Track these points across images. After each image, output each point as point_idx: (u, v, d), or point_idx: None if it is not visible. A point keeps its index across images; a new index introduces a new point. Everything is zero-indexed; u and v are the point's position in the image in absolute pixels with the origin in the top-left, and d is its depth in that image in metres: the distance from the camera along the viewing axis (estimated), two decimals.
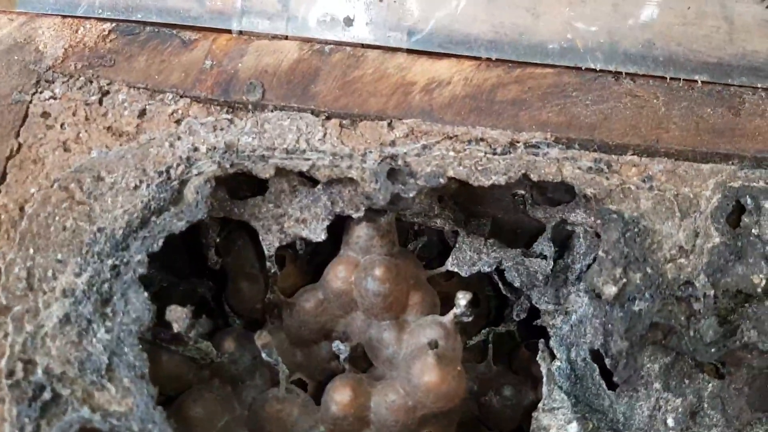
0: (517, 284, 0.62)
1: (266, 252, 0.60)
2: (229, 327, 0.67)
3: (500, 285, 0.69)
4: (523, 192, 0.64)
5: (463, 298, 0.56)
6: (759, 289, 0.54)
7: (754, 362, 0.54)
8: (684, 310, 0.54)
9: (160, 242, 0.54)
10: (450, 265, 0.64)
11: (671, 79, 0.61)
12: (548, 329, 0.63)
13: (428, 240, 0.71)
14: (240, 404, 0.63)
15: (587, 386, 0.59)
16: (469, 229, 0.67)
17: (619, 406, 0.57)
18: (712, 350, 0.53)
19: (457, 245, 0.65)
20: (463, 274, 0.63)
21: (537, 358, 0.59)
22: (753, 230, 0.55)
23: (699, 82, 0.61)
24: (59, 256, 0.55)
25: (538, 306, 0.63)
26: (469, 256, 0.64)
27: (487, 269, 0.63)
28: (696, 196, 0.57)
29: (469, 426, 0.67)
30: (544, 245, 0.64)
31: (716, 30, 0.62)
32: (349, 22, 0.63)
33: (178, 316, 0.53)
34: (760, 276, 0.54)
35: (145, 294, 0.53)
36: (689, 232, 0.56)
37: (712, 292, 0.54)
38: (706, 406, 0.56)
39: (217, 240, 0.65)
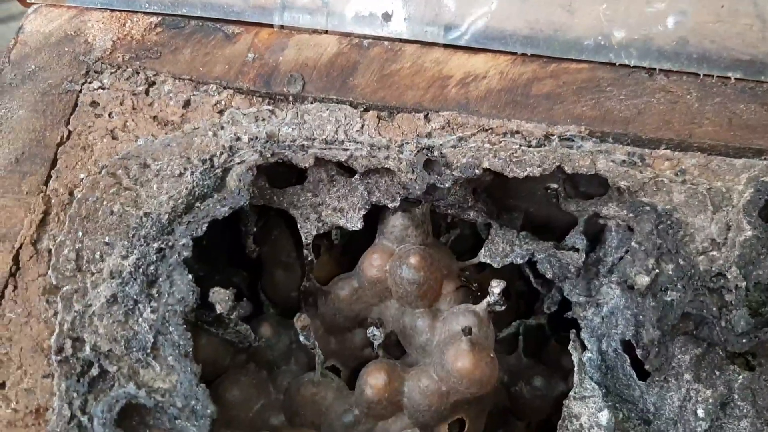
0: (549, 276, 0.63)
1: (304, 240, 0.62)
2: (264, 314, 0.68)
3: (531, 278, 0.70)
4: (556, 186, 0.65)
5: (497, 287, 0.57)
6: None
7: None
8: (716, 301, 0.55)
9: (204, 227, 0.56)
10: (483, 256, 0.65)
11: (704, 75, 0.62)
12: (579, 321, 0.63)
13: (461, 233, 0.72)
14: (275, 388, 0.65)
15: (618, 377, 0.60)
16: (502, 221, 0.68)
17: (649, 396, 0.58)
18: (744, 340, 0.53)
19: (490, 237, 0.66)
20: (495, 265, 0.64)
21: (569, 347, 0.60)
22: None
23: (732, 78, 0.62)
24: (107, 239, 0.57)
25: (569, 298, 0.64)
26: (502, 248, 0.65)
27: (519, 261, 0.64)
28: (728, 190, 0.58)
29: (500, 416, 0.68)
30: (576, 238, 0.64)
31: (749, 28, 0.63)
32: (387, 17, 0.64)
33: (221, 297, 0.55)
34: None
35: (190, 276, 0.55)
36: (721, 225, 0.57)
37: (743, 284, 0.54)
38: (736, 397, 0.56)
39: (255, 229, 0.67)
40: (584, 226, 0.64)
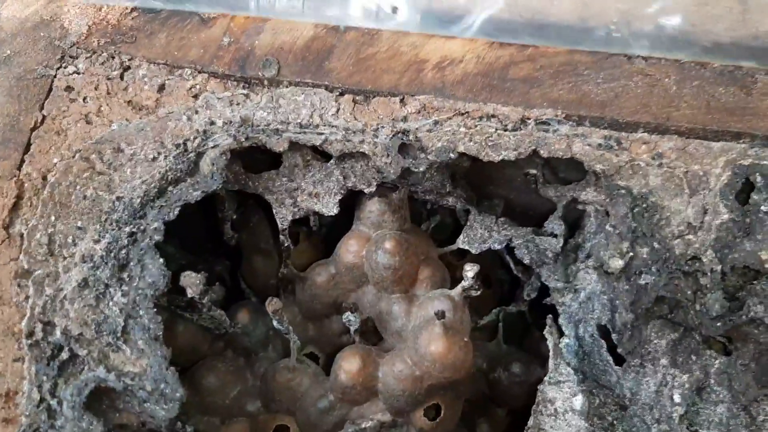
0: (526, 261, 0.63)
1: (280, 226, 0.61)
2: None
3: (511, 265, 0.70)
4: (534, 171, 0.65)
5: (470, 270, 0.56)
6: (767, 266, 0.54)
7: (760, 338, 0.54)
8: (691, 284, 0.54)
9: (176, 211, 0.56)
10: (461, 242, 0.65)
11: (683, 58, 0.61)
12: (558, 307, 0.63)
13: (441, 220, 0.72)
14: (252, 375, 0.64)
15: (595, 362, 0.59)
16: (482, 208, 0.68)
17: (625, 381, 0.58)
18: (718, 324, 0.53)
19: (468, 223, 0.65)
20: (473, 251, 0.64)
21: (544, 332, 0.60)
22: (762, 207, 0.55)
23: (711, 62, 0.61)
24: (79, 224, 0.57)
25: (547, 283, 0.63)
26: (480, 234, 0.65)
27: (497, 246, 0.64)
28: (706, 174, 0.57)
29: (479, 403, 0.68)
30: (554, 224, 0.64)
31: (729, 11, 0.62)
32: (394, 10, 0.63)
33: (192, 281, 0.55)
34: None
35: (161, 260, 0.55)
36: (698, 208, 0.56)
37: (719, 268, 0.54)
38: (712, 382, 0.56)
39: (234, 216, 0.67)
40: (563, 212, 0.64)
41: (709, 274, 0.54)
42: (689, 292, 0.54)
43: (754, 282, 0.55)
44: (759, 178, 0.56)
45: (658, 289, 0.54)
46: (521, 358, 0.67)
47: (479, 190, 0.69)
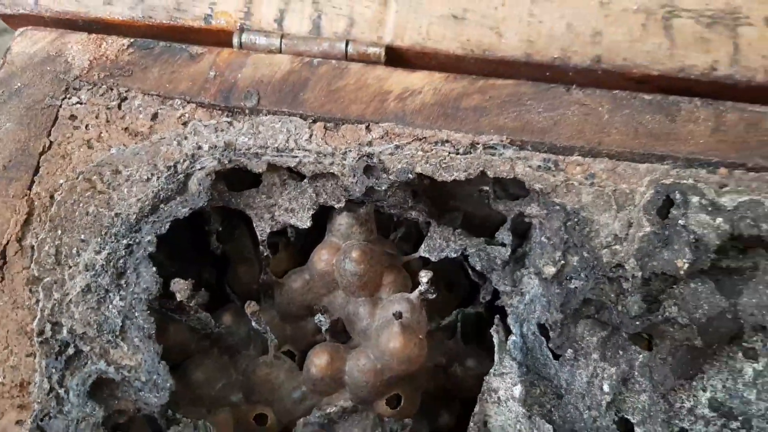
0: (478, 268, 0.70)
1: (259, 237, 0.69)
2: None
3: (470, 271, 0.78)
4: (487, 188, 0.73)
5: (425, 276, 0.64)
6: (682, 272, 0.61)
7: (675, 335, 0.61)
8: (614, 288, 0.62)
9: (167, 225, 0.64)
10: (422, 251, 0.73)
11: (616, 89, 0.69)
12: (507, 308, 0.71)
13: (407, 231, 0.80)
14: (236, 370, 0.72)
15: (537, 357, 0.67)
16: (443, 221, 0.76)
17: (562, 374, 0.65)
18: (637, 323, 0.61)
19: (428, 234, 0.73)
20: (433, 258, 0.72)
21: (491, 330, 0.68)
22: (680, 221, 0.63)
23: (641, 93, 0.69)
24: (83, 237, 0.65)
25: (497, 288, 0.71)
26: (439, 244, 0.72)
27: (453, 255, 0.72)
28: (632, 192, 0.65)
29: (438, 395, 0.75)
30: (504, 234, 0.72)
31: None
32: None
33: (180, 287, 0.62)
34: (683, 260, 0.61)
35: (154, 269, 0.63)
36: (624, 222, 0.64)
37: (639, 274, 0.62)
38: (636, 374, 0.64)
39: (219, 229, 0.75)
40: (512, 224, 0.72)
41: (630, 279, 0.62)
42: (613, 295, 0.62)
43: (674, 287, 0.63)
44: (678, 195, 0.64)
45: (585, 292, 0.62)
46: (475, 353, 0.75)
47: (441, 204, 0.77)
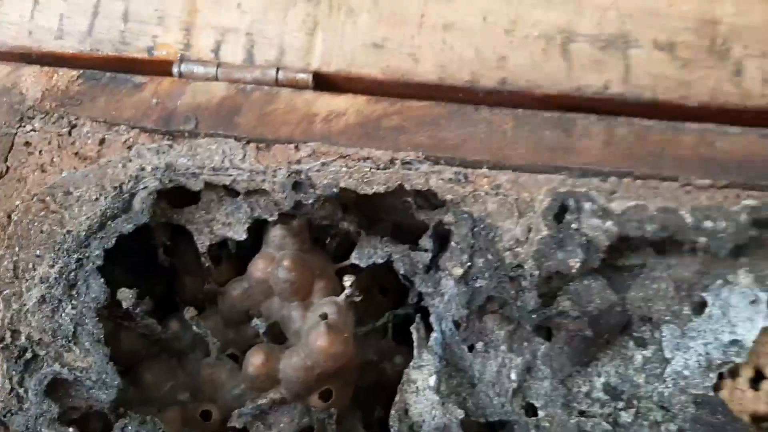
0: (402, 272, 0.77)
1: (200, 249, 0.76)
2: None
3: (400, 276, 0.85)
4: (410, 200, 0.80)
5: (348, 281, 0.72)
6: (574, 270, 0.69)
7: (569, 326, 0.69)
8: (515, 286, 0.70)
9: (113, 240, 0.71)
10: (353, 258, 0.80)
11: (520, 108, 0.77)
12: (429, 308, 0.78)
13: (342, 241, 0.87)
14: (183, 373, 0.78)
15: (454, 351, 0.74)
16: (374, 231, 0.83)
17: (475, 365, 0.72)
18: (533, 316, 0.68)
19: (358, 243, 0.80)
20: (362, 265, 0.78)
21: (410, 328, 0.75)
22: (573, 225, 0.70)
23: (542, 111, 0.77)
24: (38, 252, 0.71)
25: (420, 290, 0.78)
26: (368, 251, 0.79)
27: (380, 261, 0.78)
28: (532, 200, 0.72)
29: (371, 390, 0.83)
30: (426, 241, 0.79)
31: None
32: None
33: (125, 295, 0.69)
34: (576, 260, 0.69)
35: (102, 280, 0.69)
36: (524, 227, 0.72)
37: (537, 272, 0.69)
38: (539, 362, 0.71)
39: (167, 243, 0.82)
40: (433, 231, 0.79)
41: (528, 278, 0.69)
42: (513, 292, 0.69)
43: (570, 284, 0.71)
44: (571, 202, 0.71)
45: (489, 290, 0.69)
46: (403, 351, 0.82)
47: (371, 215, 0.84)
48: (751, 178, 0.72)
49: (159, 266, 0.83)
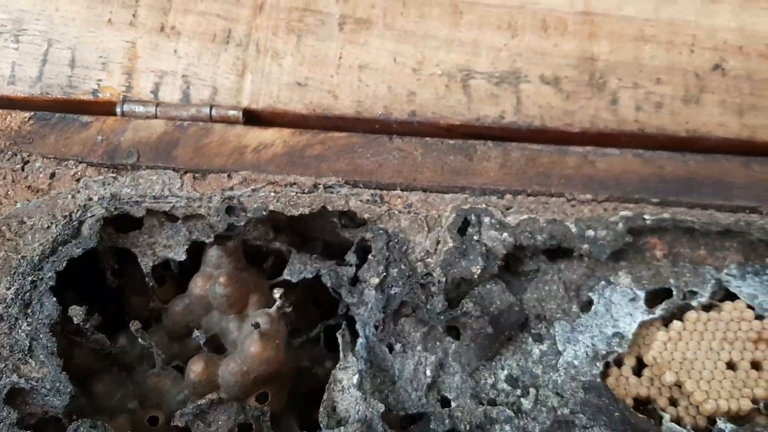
0: (329, 285, 0.87)
1: (144, 270, 0.84)
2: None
3: (330, 289, 0.94)
4: (335, 220, 0.90)
5: (277, 293, 0.80)
6: (476, 276, 0.79)
7: (473, 325, 0.79)
8: (425, 292, 0.79)
9: (64, 264, 0.79)
10: (285, 274, 0.88)
11: (427, 137, 0.87)
12: (355, 316, 0.87)
13: (277, 259, 0.96)
14: (132, 383, 0.86)
15: (377, 353, 0.83)
16: (305, 249, 0.92)
17: (395, 364, 0.81)
18: (441, 317, 0.78)
19: (290, 260, 0.89)
20: (294, 280, 0.87)
21: (336, 333, 0.84)
22: (474, 237, 0.81)
23: (447, 139, 0.88)
24: None
25: (346, 300, 0.88)
26: (298, 267, 0.88)
27: (309, 276, 0.87)
28: (440, 216, 0.83)
29: (306, 394, 0.91)
30: (351, 256, 0.88)
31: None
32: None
33: (76, 312, 0.77)
34: (477, 267, 0.79)
35: (54, 299, 0.77)
36: (433, 240, 0.82)
37: (444, 279, 0.79)
38: (450, 359, 0.80)
39: (114, 266, 0.89)
40: (356, 247, 0.88)
41: (436, 284, 0.79)
42: (423, 297, 0.79)
43: (474, 289, 0.81)
44: (473, 217, 0.82)
45: (402, 296, 0.79)
46: (333, 357, 0.91)
47: (303, 235, 0.94)
48: (627, 193, 0.83)
49: (108, 288, 0.90)
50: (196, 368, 0.80)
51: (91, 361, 0.85)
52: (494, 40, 0.91)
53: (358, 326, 0.86)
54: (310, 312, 0.96)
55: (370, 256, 0.81)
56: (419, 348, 0.81)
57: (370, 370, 0.82)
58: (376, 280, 0.80)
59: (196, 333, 0.83)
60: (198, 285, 0.85)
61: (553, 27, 0.91)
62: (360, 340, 0.85)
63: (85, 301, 0.87)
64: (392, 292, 0.80)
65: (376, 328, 0.82)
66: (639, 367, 0.80)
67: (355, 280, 0.87)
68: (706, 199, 0.82)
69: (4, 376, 0.74)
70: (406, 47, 0.91)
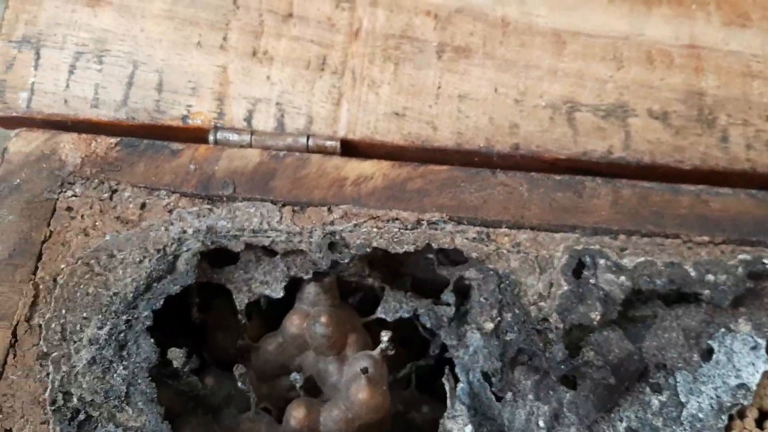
0: (428, 326, 0.82)
1: (238, 307, 0.79)
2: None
3: (420, 329, 0.89)
4: (431, 256, 0.85)
5: (385, 336, 0.76)
6: (595, 323, 0.75)
7: (594, 375, 0.74)
8: (542, 338, 0.75)
9: (161, 301, 0.74)
10: (379, 313, 0.84)
11: (532, 171, 0.84)
12: (454, 359, 0.83)
13: (364, 295, 0.92)
14: (219, 427, 0.81)
15: (482, 400, 0.79)
16: (395, 285, 0.87)
17: (504, 413, 0.77)
18: (562, 367, 0.74)
19: (384, 298, 0.85)
20: (388, 319, 0.83)
21: (442, 379, 0.79)
22: (591, 280, 0.77)
23: (553, 174, 0.84)
24: (84, 314, 0.73)
25: (445, 342, 0.83)
26: (393, 306, 0.84)
27: (406, 315, 0.83)
28: (551, 257, 0.79)
29: None
30: (448, 295, 0.83)
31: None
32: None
33: (176, 355, 0.72)
34: (596, 313, 0.75)
35: (152, 340, 0.72)
36: (546, 283, 0.78)
37: (561, 326, 0.75)
38: (565, 410, 0.75)
39: (198, 301, 0.85)
40: (454, 286, 0.84)
41: (554, 330, 0.75)
42: (541, 344, 0.75)
43: (590, 335, 0.77)
44: (588, 259, 0.78)
45: (519, 343, 0.74)
46: (429, 401, 0.87)
47: (393, 270, 0.89)
48: (743, 234, 0.80)
49: (184, 324, 0.85)
50: (297, 414, 0.75)
51: (175, 403, 0.80)
52: (599, 71, 0.87)
53: (458, 370, 0.81)
54: (397, 352, 0.92)
55: (480, 299, 0.77)
56: (530, 397, 0.77)
57: (474, 418, 0.78)
58: (490, 325, 0.75)
59: (294, 375, 0.78)
60: (294, 323, 0.80)
61: (659, 60, 0.88)
62: (461, 386, 0.80)
63: (160, 338, 0.83)
64: (508, 339, 0.75)
65: (486, 375, 0.77)
66: (760, 419, 0.76)
67: (451, 320, 0.82)
68: None
69: (99, 425, 0.69)
70: (507, 77, 0.87)
